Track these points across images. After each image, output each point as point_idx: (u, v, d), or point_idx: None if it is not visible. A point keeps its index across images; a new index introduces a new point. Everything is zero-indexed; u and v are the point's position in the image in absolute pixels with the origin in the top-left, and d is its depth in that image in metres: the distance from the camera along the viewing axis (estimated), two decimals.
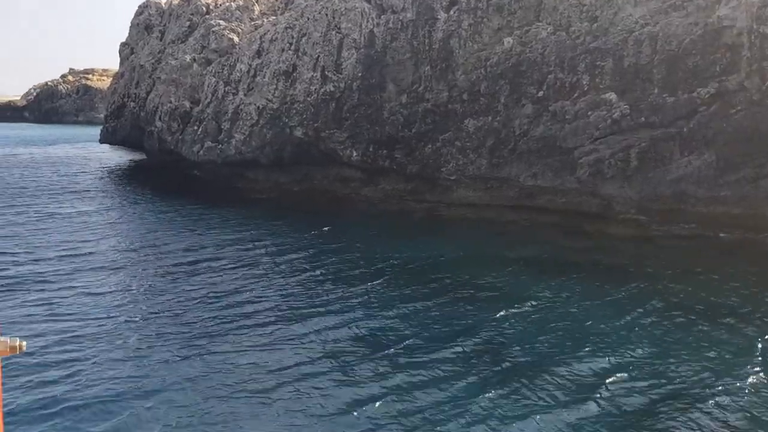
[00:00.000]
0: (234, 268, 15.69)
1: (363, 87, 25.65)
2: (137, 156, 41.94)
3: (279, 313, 12.51)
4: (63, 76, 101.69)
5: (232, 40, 31.84)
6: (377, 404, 8.83)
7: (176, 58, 33.90)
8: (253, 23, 32.43)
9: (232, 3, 33.85)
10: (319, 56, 27.09)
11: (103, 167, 39.98)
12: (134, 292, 14.03)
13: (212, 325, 11.81)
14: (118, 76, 43.73)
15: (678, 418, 8.41)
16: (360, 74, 25.71)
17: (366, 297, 13.54)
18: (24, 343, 1.60)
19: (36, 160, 42.69)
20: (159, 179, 32.66)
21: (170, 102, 33.30)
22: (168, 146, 33.17)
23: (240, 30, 32.32)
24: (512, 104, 22.47)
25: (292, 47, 28.20)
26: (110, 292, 13.92)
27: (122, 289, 14.23)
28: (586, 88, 21.13)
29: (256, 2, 33.65)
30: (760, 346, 10.73)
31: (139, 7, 40.91)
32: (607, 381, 9.48)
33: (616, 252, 17.10)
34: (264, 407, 8.74)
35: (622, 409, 8.68)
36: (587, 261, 16.32)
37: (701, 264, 15.67)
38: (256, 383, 9.43)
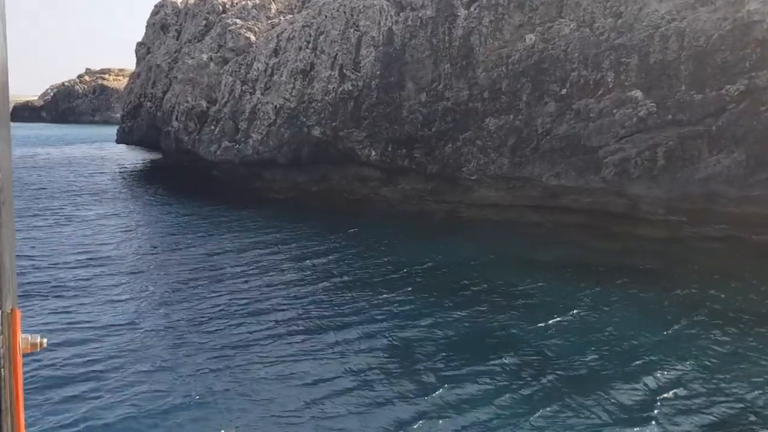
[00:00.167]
0: (257, 273, 15.37)
1: (382, 85, 25.30)
2: (154, 156, 41.85)
3: (306, 322, 12.15)
4: (80, 76, 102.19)
5: (248, 38, 31.59)
6: (420, 423, 8.37)
7: (193, 58, 33.71)
8: (269, 22, 32.17)
9: (249, 1, 33.60)
10: (337, 54, 26.77)
11: (121, 167, 39.97)
12: (156, 299, 13.72)
13: (237, 335, 11.47)
14: (134, 76, 43.66)
15: None
16: (378, 72, 25.37)
17: (396, 305, 13.10)
18: (45, 339, 1.57)
19: (54, 161, 42.78)
20: (176, 180, 32.51)
21: (187, 101, 33.12)
22: (185, 146, 33.00)
23: (257, 29, 32.06)
24: (534, 102, 22.03)
25: (310, 45, 27.90)
26: (131, 299, 13.63)
27: (143, 296, 13.93)
28: (610, 86, 20.65)
29: (273, 1, 33.38)
30: None
31: (155, 6, 40.79)
32: (661, 398, 8.95)
33: (647, 255, 16.62)
34: (297, 427, 8.34)
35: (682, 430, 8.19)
36: (619, 264, 15.82)
37: (738, 268, 15.17)
38: (286, 399, 9.02)
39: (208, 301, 13.34)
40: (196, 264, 16.35)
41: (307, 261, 16.66)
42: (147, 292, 14.19)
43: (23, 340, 1.47)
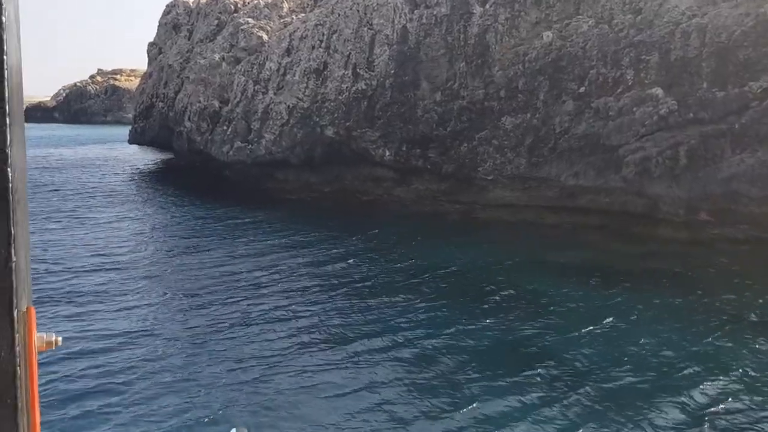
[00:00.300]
0: (274, 279, 15.04)
1: (396, 84, 24.99)
2: (166, 156, 41.72)
3: (327, 330, 11.78)
4: (92, 77, 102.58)
5: (261, 38, 31.37)
6: None
7: (205, 57, 33.54)
8: (282, 21, 31.94)
9: (261, 1, 33.39)
10: (350, 53, 26.49)
11: (133, 168, 39.90)
12: (173, 305, 13.40)
13: (257, 343, 11.12)
14: (146, 76, 43.58)
15: None
16: (393, 71, 25.05)
17: (419, 312, 12.68)
18: (60, 338, 1.57)
19: (67, 161, 42.79)
20: (188, 180, 32.33)
21: (199, 102, 32.95)
22: (197, 146, 32.83)
23: (269, 28, 31.84)
24: (552, 101, 21.66)
25: (323, 45, 27.63)
26: (147, 305, 13.34)
27: (160, 301, 13.62)
28: (630, 83, 20.26)
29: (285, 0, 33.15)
30: None
31: (167, 6, 40.68)
32: (708, 413, 8.49)
33: (672, 258, 16.17)
34: None
35: None
36: (643, 268, 15.39)
37: (764, 271, 14.69)
38: (311, 412, 8.64)
39: (226, 308, 13.02)
40: (212, 269, 16.04)
41: (325, 265, 16.31)
42: (164, 298, 13.88)
43: (38, 338, 1.49)
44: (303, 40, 28.78)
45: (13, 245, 1.35)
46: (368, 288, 14.34)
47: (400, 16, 25.25)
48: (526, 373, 9.77)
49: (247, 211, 23.89)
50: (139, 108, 42.63)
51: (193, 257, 17.35)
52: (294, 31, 29.65)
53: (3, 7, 1.33)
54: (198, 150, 32.99)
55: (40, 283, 13.87)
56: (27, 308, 1.42)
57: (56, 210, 24.04)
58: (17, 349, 1.36)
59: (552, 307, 12.84)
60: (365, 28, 26.20)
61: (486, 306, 12.92)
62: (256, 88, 30.08)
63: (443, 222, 22.01)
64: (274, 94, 29.03)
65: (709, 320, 11.90)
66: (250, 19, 32.51)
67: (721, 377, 9.54)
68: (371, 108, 25.57)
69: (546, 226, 20.53)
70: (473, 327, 11.75)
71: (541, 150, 21.72)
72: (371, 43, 25.93)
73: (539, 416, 8.52)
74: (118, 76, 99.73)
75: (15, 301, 1.36)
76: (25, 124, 1.52)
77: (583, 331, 11.42)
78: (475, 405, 8.82)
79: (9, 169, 1.34)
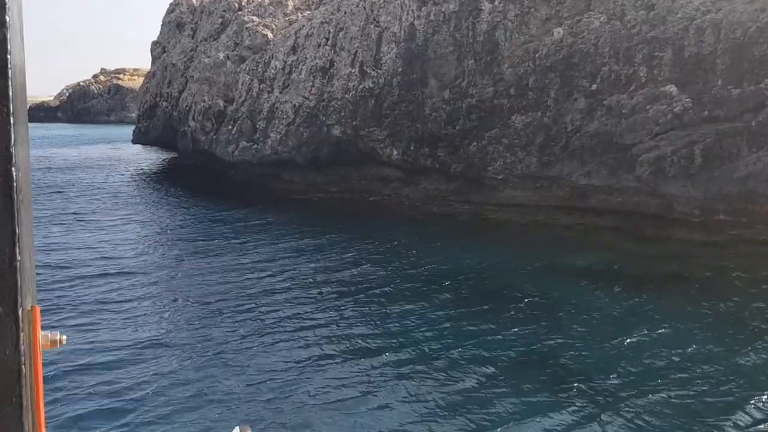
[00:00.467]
0: (286, 285, 14.59)
1: (403, 83, 24.64)
2: (170, 156, 41.41)
3: (346, 341, 11.30)
4: (95, 76, 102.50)
5: (266, 36, 31.03)
6: None
7: (209, 56, 33.21)
8: (287, 18, 31.60)
9: None
10: (357, 51, 26.14)
11: (137, 168, 39.62)
12: (184, 314, 12.88)
13: (273, 355, 10.65)
14: (149, 76, 43.30)
15: None
16: (400, 69, 24.70)
17: (441, 321, 12.19)
18: (64, 336, 1.55)
19: (71, 161, 42.54)
20: (193, 181, 31.99)
21: (204, 101, 32.63)
22: (202, 146, 32.51)
23: (274, 26, 31.50)
24: (563, 99, 21.28)
25: (329, 42, 27.28)
26: (157, 313, 12.88)
27: (170, 310, 13.11)
28: (643, 81, 19.88)
29: None
30: None
31: (171, 4, 40.38)
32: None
33: (693, 261, 15.71)
34: None
35: None
36: (667, 273, 14.91)
37: None
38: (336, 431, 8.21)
39: (239, 316, 12.58)
40: (222, 274, 15.60)
41: (337, 271, 15.86)
42: (174, 306, 13.42)
43: (43, 337, 1.50)
44: (309, 38, 28.43)
45: (17, 244, 1.35)
46: (384, 295, 13.88)
47: (408, 13, 24.89)
48: (559, 389, 9.27)
49: (254, 212, 23.52)
50: (143, 107, 42.33)
51: (201, 262, 16.91)
52: (299, 29, 29.31)
53: (6, 6, 1.33)
54: (202, 150, 32.66)
55: (43, 290, 13.38)
56: (31, 307, 1.43)
57: (60, 212, 23.68)
58: (22, 347, 1.37)
59: (577, 316, 12.36)
60: (372, 26, 25.85)
61: (508, 314, 12.46)
62: (261, 87, 29.75)
63: (454, 223, 21.63)
64: (280, 92, 28.69)
65: (742, 331, 11.38)
66: (254, 17, 32.17)
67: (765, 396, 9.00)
68: (378, 107, 25.22)
69: (559, 227, 20.14)
70: (498, 337, 11.29)
71: (552, 149, 21.36)
72: (378, 40, 25.58)
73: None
74: (121, 76, 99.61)
75: (20, 299, 1.36)
76: (29, 124, 1.51)
77: (613, 342, 10.92)
78: (510, 425, 8.36)
79: (13, 168, 1.34)
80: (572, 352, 10.60)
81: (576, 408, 8.74)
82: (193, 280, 15.28)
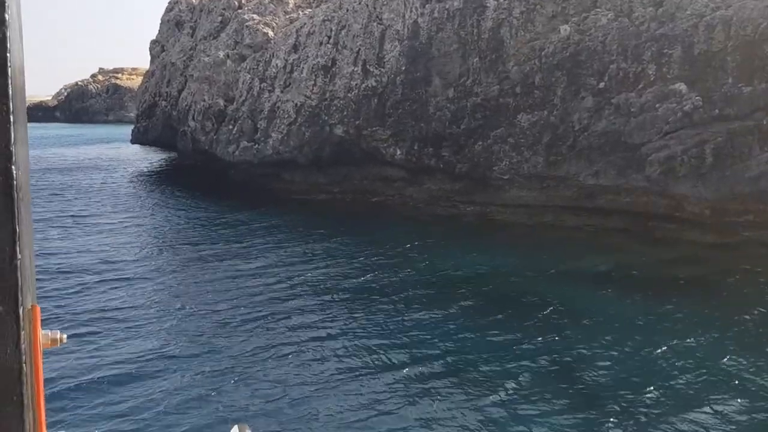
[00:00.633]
0: (295, 293, 14.22)
1: (407, 81, 24.28)
2: (169, 156, 41.01)
3: (363, 353, 10.91)
4: (93, 76, 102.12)
5: (266, 34, 30.65)
6: None
7: (209, 55, 32.83)
8: (288, 16, 31.22)
9: None
10: (359, 49, 25.77)
11: (137, 169, 39.25)
12: (190, 324, 12.47)
13: (285, 367, 10.29)
14: (148, 75, 42.90)
15: None
16: (403, 68, 24.34)
17: (459, 331, 11.81)
18: (65, 335, 1.60)
19: (69, 162, 42.17)
20: (193, 181, 31.60)
21: (203, 100, 32.26)
22: (202, 146, 32.13)
23: (274, 24, 31.12)
24: (570, 97, 20.94)
25: (331, 40, 26.91)
26: (163, 321, 12.49)
27: (176, 318, 12.70)
28: (652, 79, 19.53)
29: None
30: None
31: (169, 3, 39.99)
32: None
33: (704, 263, 15.36)
34: None
35: None
36: (683, 277, 14.55)
37: None
38: None
39: (248, 325, 12.18)
40: (228, 281, 15.18)
41: (345, 277, 15.50)
42: (180, 315, 12.98)
43: (43, 335, 1.50)
44: (310, 36, 28.06)
45: (18, 243, 1.35)
46: (396, 303, 13.49)
47: (411, 11, 24.52)
48: (592, 405, 8.86)
49: (256, 214, 23.14)
50: (142, 107, 41.94)
51: (206, 267, 16.50)
52: (301, 27, 28.93)
53: (6, 5, 1.33)
54: (203, 150, 32.29)
55: (43, 297, 12.91)
56: (32, 306, 1.44)
57: (58, 214, 23.25)
58: (23, 346, 1.38)
59: (600, 325, 11.98)
60: (375, 23, 25.48)
61: (528, 323, 12.07)
62: (262, 86, 29.38)
63: (459, 224, 21.27)
64: (281, 92, 28.32)
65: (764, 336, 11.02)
66: (255, 15, 31.79)
67: None
68: (382, 106, 24.86)
69: (567, 228, 19.79)
70: (522, 348, 10.88)
71: (559, 148, 21.02)
72: (381, 38, 25.22)
73: None
74: (119, 75, 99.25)
75: (20, 298, 1.36)
76: (28, 124, 1.50)
77: (642, 353, 10.50)
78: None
79: (13, 167, 1.35)
80: (601, 363, 10.21)
81: (611, 425, 8.37)
82: (199, 287, 14.85)
